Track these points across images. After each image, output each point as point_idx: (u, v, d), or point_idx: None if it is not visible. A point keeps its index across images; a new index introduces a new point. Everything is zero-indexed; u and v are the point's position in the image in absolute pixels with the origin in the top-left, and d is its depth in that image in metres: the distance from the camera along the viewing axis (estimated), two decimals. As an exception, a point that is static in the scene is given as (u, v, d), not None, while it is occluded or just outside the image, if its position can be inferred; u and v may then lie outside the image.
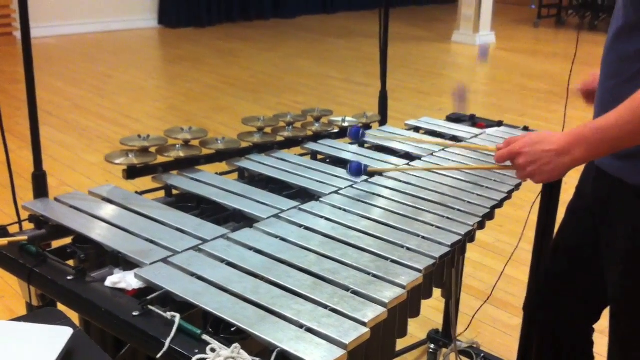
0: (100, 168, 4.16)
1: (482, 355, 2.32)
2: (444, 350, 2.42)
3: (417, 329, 2.54)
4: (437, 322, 2.55)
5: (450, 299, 2.13)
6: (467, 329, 2.38)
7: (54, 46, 7.50)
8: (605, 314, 1.60)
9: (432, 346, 2.43)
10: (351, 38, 8.80)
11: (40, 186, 1.42)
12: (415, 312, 1.38)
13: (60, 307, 1.14)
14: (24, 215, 1.41)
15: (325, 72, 6.86)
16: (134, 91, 5.94)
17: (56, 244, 1.37)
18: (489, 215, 1.51)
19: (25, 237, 1.25)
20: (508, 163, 1.39)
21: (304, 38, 8.74)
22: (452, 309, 2.15)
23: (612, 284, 1.47)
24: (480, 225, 1.48)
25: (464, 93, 1.98)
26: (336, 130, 1.95)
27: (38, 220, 1.36)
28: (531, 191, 1.92)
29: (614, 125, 1.21)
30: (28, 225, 1.42)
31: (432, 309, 2.67)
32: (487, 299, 2.43)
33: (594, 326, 1.73)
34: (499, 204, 1.56)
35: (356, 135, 1.73)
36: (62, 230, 1.35)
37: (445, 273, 1.50)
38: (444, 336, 2.43)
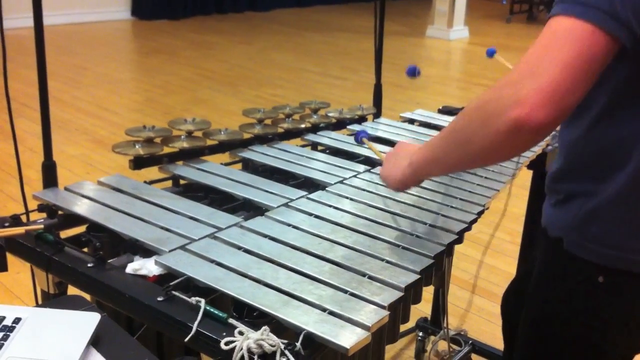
0: (80, 160, 4.13)
1: (470, 342, 2.38)
2: (432, 337, 2.48)
3: (405, 318, 2.59)
4: (423, 311, 2.61)
5: (443, 287, 2.18)
6: (444, 316, 2.44)
7: (27, 38, 7.33)
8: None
9: (420, 334, 2.48)
10: (326, 32, 8.83)
11: (50, 176, 1.42)
12: (418, 299, 1.43)
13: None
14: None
15: (302, 65, 6.88)
16: (111, 84, 5.89)
17: (64, 233, 1.38)
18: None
19: (41, 226, 1.26)
20: None
21: (279, 31, 8.75)
22: (445, 297, 2.20)
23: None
24: (480, 214, 1.52)
25: (416, 71, 2.05)
26: (334, 121, 1.98)
27: (50, 209, 1.37)
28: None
29: (433, 141, 1.16)
30: (34, 216, 1.43)
31: (419, 298, 2.72)
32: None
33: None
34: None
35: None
36: (74, 219, 1.37)
37: (445, 261, 1.55)
38: (432, 324, 2.48)
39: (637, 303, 1.16)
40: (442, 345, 2.43)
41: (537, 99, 0.90)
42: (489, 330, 2.63)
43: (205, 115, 5.09)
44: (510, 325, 1.71)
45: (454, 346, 2.39)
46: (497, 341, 2.46)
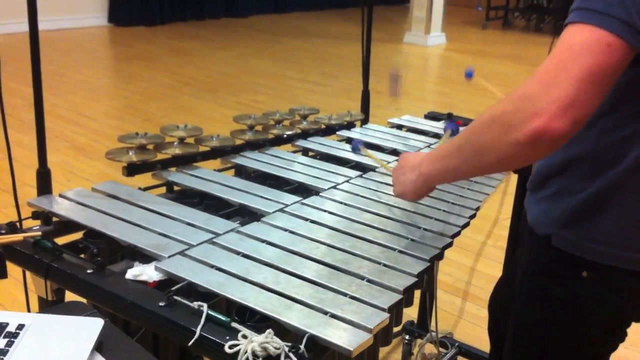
0: (60, 168, 4.09)
1: (457, 345, 2.40)
2: (419, 340, 2.50)
3: (392, 322, 2.60)
4: (409, 314, 2.63)
5: (431, 290, 2.20)
6: (432, 318, 2.46)
7: (3, 45, 7.30)
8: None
9: (407, 337, 2.51)
10: (305, 38, 8.85)
11: (44, 183, 1.42)
12: (410, 302, 1.45)
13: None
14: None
15: (282, 72, 6.90)
16: (89, 90, 5.85)
17: (58, 241, 1.38)
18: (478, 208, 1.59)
19: (39, 233, 1.26)
20: None
21: (257, 37, 8.75)
22: (434, 300, 2.22)
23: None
24: (471, 218, 1.55)
25: (397, 79, 2.08)
26: (323, 127, 2.00)
27: (46, 216, 1.37)
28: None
29: (444, 151, 1.18)
30: (27, 223, 1.42)
31: (405, 302, 2.74)
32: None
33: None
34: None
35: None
36: (70, 226, 1.37)
37: (435, 265, 1.57)
38: (419, 327, 2.51)
39: (623, 298, 1.19)
40: (429, 348, 2.45)
41: (554, 111, 0.92)
42: (474, 332, 2.66)
43: (187, 121, 5.07)
44: (497, 324, 1.74)
45: (441, 349, 2.42)
46: (482, 343, 2.49)
